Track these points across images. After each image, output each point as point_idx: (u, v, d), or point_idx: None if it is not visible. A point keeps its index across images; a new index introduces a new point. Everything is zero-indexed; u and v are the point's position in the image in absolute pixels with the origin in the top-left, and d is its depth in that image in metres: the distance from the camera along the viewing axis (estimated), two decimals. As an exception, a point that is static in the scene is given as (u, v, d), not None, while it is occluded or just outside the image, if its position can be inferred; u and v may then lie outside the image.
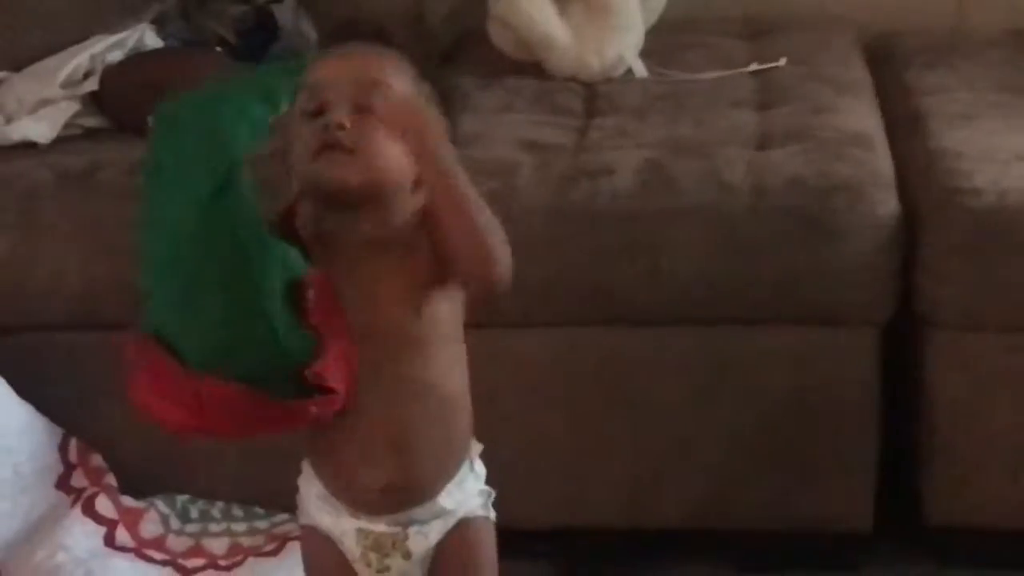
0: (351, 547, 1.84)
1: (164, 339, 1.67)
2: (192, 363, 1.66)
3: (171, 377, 1.68)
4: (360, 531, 1.83)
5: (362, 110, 1.70)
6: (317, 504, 1.84)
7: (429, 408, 1.77)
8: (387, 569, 1.84)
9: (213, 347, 1.66)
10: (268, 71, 1.75)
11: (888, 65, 3.10)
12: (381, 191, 1.72)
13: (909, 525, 2.59)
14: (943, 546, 2.58)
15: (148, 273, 1.69)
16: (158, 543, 2.63)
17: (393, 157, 1.71)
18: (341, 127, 1.69)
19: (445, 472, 1.83)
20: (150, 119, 1.69)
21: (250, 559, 2.59)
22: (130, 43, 2.91)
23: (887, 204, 2.45)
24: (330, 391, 1.68)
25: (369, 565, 1.84)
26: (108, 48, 2.87)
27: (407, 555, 1.83)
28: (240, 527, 2.66)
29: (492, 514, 1.89)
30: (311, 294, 1.68)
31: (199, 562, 2.60)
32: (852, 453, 2.53)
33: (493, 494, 1.89)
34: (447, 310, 1.77)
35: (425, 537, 1.83)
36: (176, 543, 2.64)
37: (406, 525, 1.82)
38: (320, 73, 1.74)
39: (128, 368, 1.70)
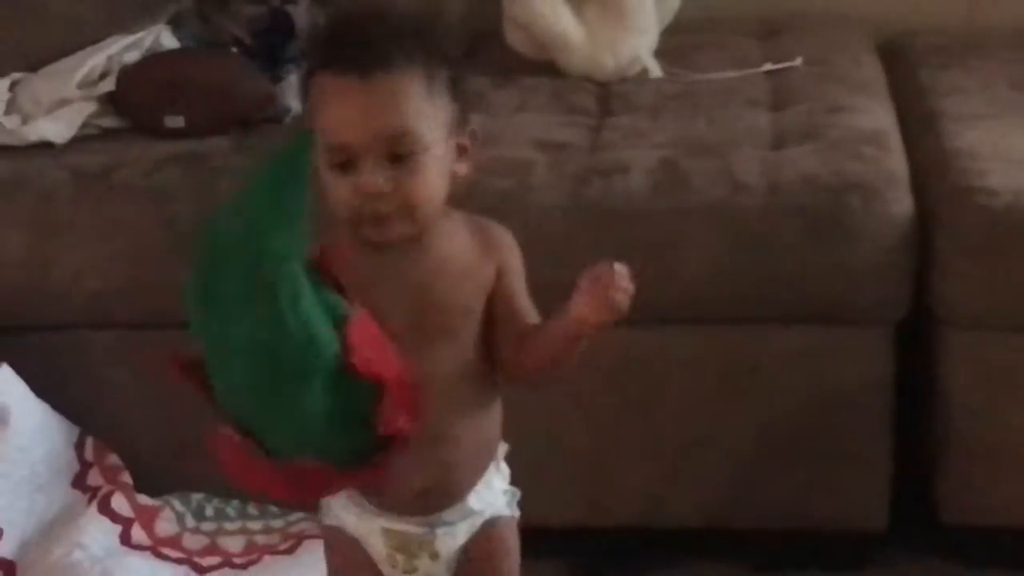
0: (377, 547, 1.84)
1: (246, 430, 1.62)
2: (278, 453, 1.61)
3: (260, 464, 1.62)
4: (387, 531, 1.82)
5: (395, 159, 1.64)
6: (343, 503, 1.83)
7: (466, 413, 1.77)
8: (414, 570, 1.84)
9: (295, 442, 1.61)
10: (277, 155, 1.55)
11: (902, 65, 3.10)
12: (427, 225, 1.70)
13: (924, 524, 2.59)
14: (958, 545, 2.58)
15: (224, 396, 1.61)
16: (174, 541, 2.64)
17: (434, 189, 1.67)
18: (381, 195, 1.64)
19: (476, 474, 1.83)
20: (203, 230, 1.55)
21: (265, 557, 2.60)
22: (146, 43, 2.91)
23: (901, 203, 2.45)
24: (399, 433, 1.63)
25: (395, 566, 1.84)
26: (125, 48, 2.88)
27: (435, 556, 1.83)
28: (255, 525, 2.66)
29: (516, 513, 1.89)
30: (354, 342, 1.59)
31: (214, 560, 2.61)
32: (866, 452, 2.53)
33: (518, 493, 1.89)
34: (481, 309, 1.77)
35: (453, 538, 1.83)
36: (192, 541, 2.64)
37: (434, 526, 1.82)
38: (340, 125, 1.64)
39: (217, 456, 1.64)
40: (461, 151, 1.72)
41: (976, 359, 2.48)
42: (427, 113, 1.65)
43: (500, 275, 1.75)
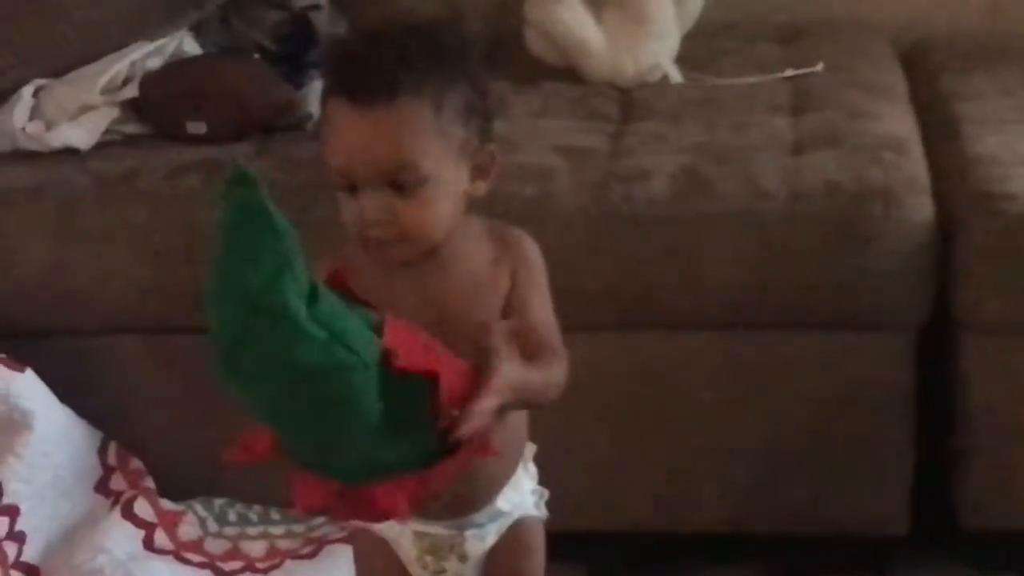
0: (407, 549, 1.85)
1: (308, 466, 1.61)
2: (342, 480, 1.61)
3: (338, 494, 1.62)
4: (417, 534, 1.83)
5: (397, 188, 1.63)
6: None
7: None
8: (443, 571, 1.85)
9: (365, 465, 1.60)
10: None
11: (923, 70, 3.10)
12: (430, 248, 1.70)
13: (945, 529, 2.58)
14: (979, 551, 2.58)
15: (288, 446, 1.61)
16: (196, 546, 2.64)
17: (436, 217, 1.66)
18: (381, 223, 1.64)
19: (505, 476, 1.83)
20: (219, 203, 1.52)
21: (287, 562, 2.60)
22: (169, 50, 2.92)
23: (922, 209, 2.45)
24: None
25: (425, 568, 1.85)
26: (148, 55, 2.89)
27: (464, 558, 1.84)
28: (277, 530, 2.67)
29: (544, 513, 1.90)
30: (399, 355, 1.57)
31: (237, 565, 2.62)
32: (887, 457, 2.53)
33: (546, 494, 1.90)
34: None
35: (482, 540, 1.84)
36: (214, 546, 2.65)
37: (463, 528, 1.83)
38: (342, 153, 1.64)
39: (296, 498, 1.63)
40: (478, 171, 1.70)
41: (996, 364, 2.48)
42: (432, 143, 1.63)
43: (512, 282, 1.74)
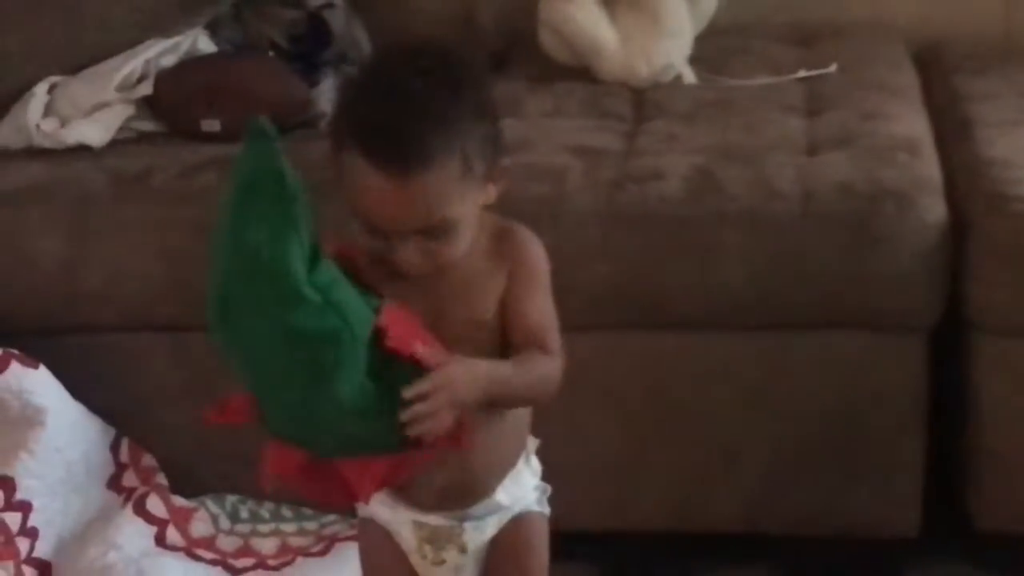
0: (407, 539, 1.86)
1: (287, 439, 1.64)
2: (314, 452, 1.64)
3: (308, 467, 1.66)
4: (416, 523, 1.84)
5: (430, 235, 1.65)
6: (378, 497, 1.83)
7: (482, 415, 1.75)
8: (442, 562, 1.86)
9: (343, 439, 1.63)
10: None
11: (937, 72, 3.10)
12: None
13: (956, 531, 2.58)
14: (990, 552, 2.57)
15: (271, 415, 1.64)
16: (208, 543, 2.65)
17: (463, 245, 1.69)
18: (411, 266, 1.67)
19: (503, 469, 1.84)
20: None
21: (299, 559, 2.61)
22: (184, 47, 2.93)
23: (935, 210, 2.45)
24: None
25: (424, 557, 1.86)
26: (162, 52, 2.90)
27: (463, 549, 1.85)
28: (289, 527, 2.68)
29: (547, 509, 1.90)
30: (391, 335, 1.61)
31: (248, 562, 2.62)
32: (899, 458, 2.52)
33: (549, 489, 1.90)
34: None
35: (481, 532, 1.85)
36: (226, 543, 2.65)
37: (462, 520, 1.83)
38: (376, 217, 1.65)
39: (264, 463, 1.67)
40: (491, 179, 1.71)
41: (1009, 365, 2.47)
42: (462, 192, 1.66)
43: (509, 280, 1.74)
